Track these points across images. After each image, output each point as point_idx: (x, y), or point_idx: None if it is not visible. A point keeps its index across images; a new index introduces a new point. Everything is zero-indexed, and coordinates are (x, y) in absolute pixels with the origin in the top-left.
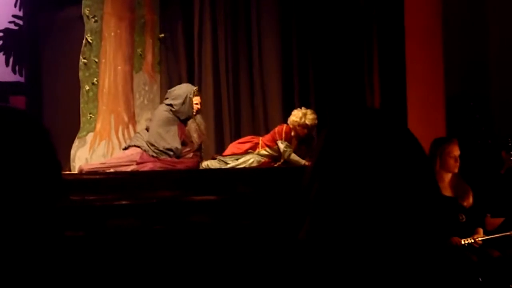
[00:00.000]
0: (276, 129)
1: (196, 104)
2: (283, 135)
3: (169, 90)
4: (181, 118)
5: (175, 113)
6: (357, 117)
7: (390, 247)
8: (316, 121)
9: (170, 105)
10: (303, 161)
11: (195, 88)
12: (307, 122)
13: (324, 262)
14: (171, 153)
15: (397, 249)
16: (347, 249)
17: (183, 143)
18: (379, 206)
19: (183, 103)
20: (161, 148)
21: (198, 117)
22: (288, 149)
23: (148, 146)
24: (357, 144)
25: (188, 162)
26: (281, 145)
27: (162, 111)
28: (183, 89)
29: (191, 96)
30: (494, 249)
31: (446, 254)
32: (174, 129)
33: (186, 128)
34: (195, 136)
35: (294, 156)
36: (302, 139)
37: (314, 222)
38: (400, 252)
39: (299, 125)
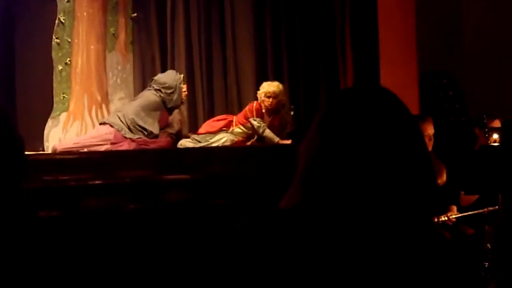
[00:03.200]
0: (247, 107)
1: (184, 91)
2: (254, 112)
3: (155, 78)
4: (168, 106)
5: (163, 100)
6: (356, 93)
7: (382, 225)
8: (279, 89)
9: (160, 90)
10: (277, 139)
11: (182, 76)
12: (269, 89)
13: (315, 231)
14: (146, 132)
15: (389, 227)
16: (339, 220)
17: (161, 129)
18: (377, 184)
19: (173, 92)
20: (136, 125)
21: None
22: (262, 125)
23: (123, 122)
24: (356, 118)
25: (161, 141)
26: (254, 122)
27: (151, 94)
28: (172, 78)
29: (181, 85)
30: (468, 227)
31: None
32: (157, 115)
33: (170, 117)
34: (175, 126)
35: (268, 133)
36: (272, 112)
37: (307, 193)
38: (391, 230)
39: (264, 95)
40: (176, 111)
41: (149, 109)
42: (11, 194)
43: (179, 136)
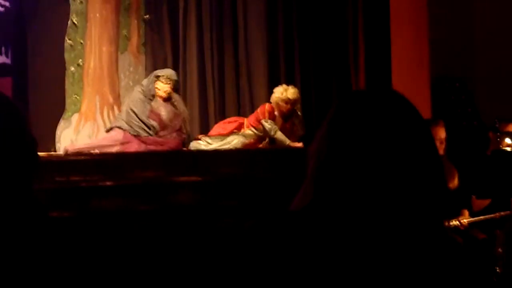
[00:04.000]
0: (259, 109)
1: (158, 89)
2: (267, 114)
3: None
4: (149, 97)
5: (145, 94)
6: (366, 95)
7: (393, 229)
8: (298, 96)
9: (142, 85)
10: (288, 141)
11: (162, 73)
12: (289, 96)
13: (324, 233)
14: (148, 129)
15: (400, 231)
16: (349, 223)
17: (164, 126)
18: (387, 188)
19: (150, 83)
20: (134, 126)
21: (181, 105)
22: (274, 127)
23: (127, 125)
24: (366, 121)
25: (171, 143)
26: (266, 124)
27: (136, 92)
28: (153, 72)
29: (154, 78)
30: (479, 231)
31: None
32: (147, 109)
33: (155, 105)
34: (162, 109)
35: (280, 135)
36: (286, 117)
37: (317, 195)
38: (402, 234)
39: (281, 100)
40: (158, 99)
41: (138, 105)
42: (22, 195)
43: (182, 130)
